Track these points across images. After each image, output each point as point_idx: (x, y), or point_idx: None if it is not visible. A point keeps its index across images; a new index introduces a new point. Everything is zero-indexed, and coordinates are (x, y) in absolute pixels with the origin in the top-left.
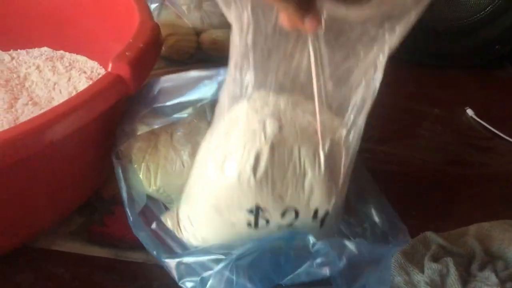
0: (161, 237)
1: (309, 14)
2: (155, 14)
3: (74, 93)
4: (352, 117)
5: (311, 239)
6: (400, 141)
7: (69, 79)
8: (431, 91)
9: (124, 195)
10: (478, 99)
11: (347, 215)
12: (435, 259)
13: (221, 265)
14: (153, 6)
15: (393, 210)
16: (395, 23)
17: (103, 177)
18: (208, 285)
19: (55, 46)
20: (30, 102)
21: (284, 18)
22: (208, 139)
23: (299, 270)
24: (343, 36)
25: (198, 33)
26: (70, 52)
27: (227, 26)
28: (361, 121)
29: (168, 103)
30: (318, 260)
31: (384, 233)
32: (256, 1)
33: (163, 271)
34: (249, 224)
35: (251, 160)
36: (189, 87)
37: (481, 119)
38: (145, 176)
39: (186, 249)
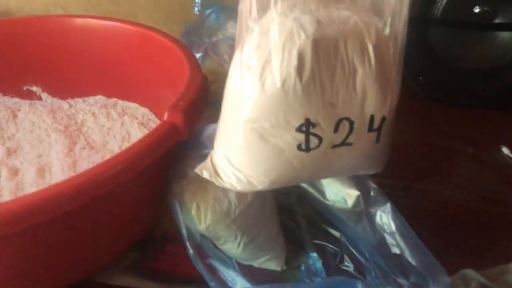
0: (215, 272)
1: None
2: (199, 62)
3: (127, 137)
4: (392, 2)
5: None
6: (436, 179)
7: (122, 125)
8: (465, 130)
9: (184, 231)
10: None
11: (381, 256)
12: None
13: None
14: (198, 55)
15: (428, 250)
16: None
17: (156, 217)
18: None
19: (108, 94)
20: (87, 146)
21: None
22: (238, 58)
23: None
24: None
25: None
26: (122, 99)
27: None
28: (405, 8)
29: None
30: None
31: (421, 274)
32: None
33: None
34: (299, 147)
35: (294, 62)
36: None
37: None
38: (196, 214)
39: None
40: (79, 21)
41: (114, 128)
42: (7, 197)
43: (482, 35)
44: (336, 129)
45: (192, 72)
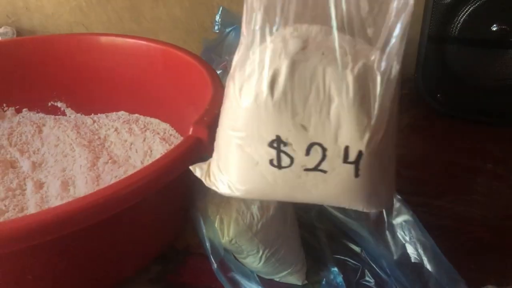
0: (237, 286)
1: None
2: None
3: (149, 152)
4: (386, 34)
5: None
6: (456, 196)
7: (144, 140)
8: (483, 147)
9: (207, 244)
10: None
11: (402, 271)
12: None
13: None
14: (217, 72)
15: (449, 263)
16: None
17: (178, 230)
18: None
19: (131, 110)
20: (110, 161)
21: None
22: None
23: None
24: None
25: None
26: (144, 115)
27: None
28: (398, 42)
29: None
30: None
31: (442, 287)
32: None
33: None
34: (271, 162)
35: (268, 79)
36: None
37: None
38: (219, 227)
39: None
40: (103, 39)
41: (136, 143)
42: (32, 209)
43: (499, 53)
44: (307, 152)
45: (215, 88)
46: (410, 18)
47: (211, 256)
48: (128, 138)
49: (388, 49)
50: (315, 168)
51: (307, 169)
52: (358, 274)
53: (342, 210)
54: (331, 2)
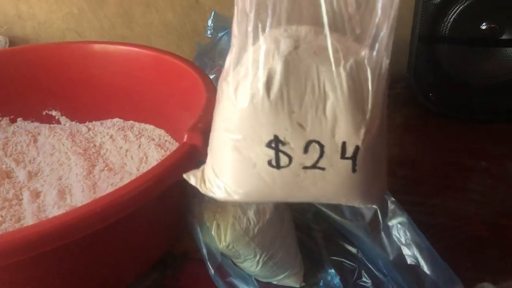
0: None
1: None
2: None
3: (144, 159)
4: (374, 31)
5: None
6: (451, 195)
7: (139, 146)
8: (477, 145)
9: (204, 250)
10: None
11: (398, 271)
12: None
13: None
14: (211, 77)
15: (445, 263)
16: None
17: (176, 236)
18: None
19: (125, 117)
20: (105, 168)
21: None
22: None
23: None
24: None
25: None
26: (139, 122)
27: None
28: (386, 37)
29: None
30: None
31: (438, 286)
32: None
33: None
34: (270, 163)
35: (263, 78)
36: None
37: None
38: (216, 233)
39: None
40: (96, 46)
41: (131, 150)
42: (29, 219)
43: (490, 51)
44: (305, 150)
45: (209, 94)
46: (396, 13)
47: (208, 263)
48: (123, 145)
49: (377, 45)
50: (314, 166)
51: (305, 167)
52: (355, 275)
53: (338, 211)
54: (321, 0)
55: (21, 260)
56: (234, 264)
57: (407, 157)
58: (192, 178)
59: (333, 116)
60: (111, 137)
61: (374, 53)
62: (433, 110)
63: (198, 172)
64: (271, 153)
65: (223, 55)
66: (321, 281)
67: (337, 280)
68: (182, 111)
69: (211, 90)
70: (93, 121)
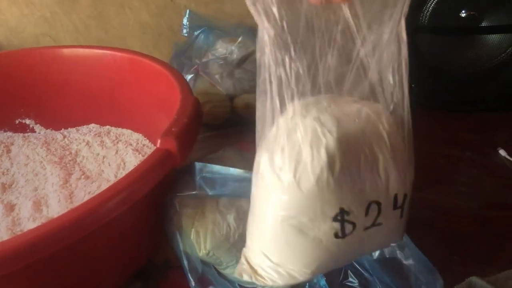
0: None
1: None
2: (191, 83)
3: (122, 165)
4: (392, 85)
5: None
6: (437, 187)
7: (116, 152)
8: (462, 136)
9: (184, 261)
10: (509, 139)
11: (383, 270)
12: None
13: None
14: (189, 76)
15: (427, 259)
16: None
17: (155, 244)
18: None
19: (101, 122)
20: (82, 176)
21: None
22: (265, 159)
23: None
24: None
25: (231, 98)
26: (115, 126)
27: None
28: (405, 88)
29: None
30: None
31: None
32: None
33: None
34: (336, 235)
35: (324, 159)
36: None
37: None
38: (196, 240)
39: None
40: (66, 51)
41: (108, 156)
42: (3, 233)
43: (470, 39)
44: (366, 213)
45: (183, 96)
46: (407, 69)
47: (189, 274)
48: (100, 152)
49: (399, 102)
50: (373, 224)
51: (366, 228)
52: (341, 275)
53: None
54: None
55: None
56: (217, 270)
57: None
58: (245, 276)
59: (385, 174)
60: (87, 143)
61: (398, 109)
62: (416, 101)
63: (243, 265)
64: (337, 226)
65: (200, 53)
66: (307, 284)
67: (323, 281)
68: (159, 113)
69: (186, 91)
70: (69, 128)
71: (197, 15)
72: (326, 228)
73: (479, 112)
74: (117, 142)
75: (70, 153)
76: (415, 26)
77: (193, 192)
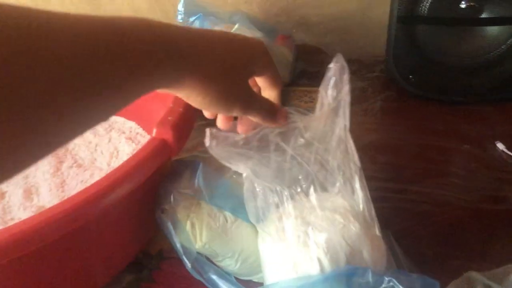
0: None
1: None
2: None
3: (115, 153)
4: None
5: (371, 274)
6: (433, 180)
7: (109, 140)
8: (459, 128)
9: (178, 245)
10: (507, 132)
11: None
12: None
13: None
14: None
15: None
16: None
17: (149, 234)
18: None
19: None
20: (74, 165)
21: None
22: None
23: None
24: None
25: None
26: None
27: None
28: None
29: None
30: None
31: None
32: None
33: None
34: None
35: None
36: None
37: None
38: (191, 232)
39: None
40: None
41: (101, 144)
42: None
43: (469, 30)
44: None
45: None
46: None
47: (184, 257)
48: (92, 140)
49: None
50: None
51: None
52: None
53: None
54: None
55: None
56: (213, 263)
57: (388, 142)
58: None
59: None
60: None
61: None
62: (413, 92)
63: None
64: None
65: None
66: None
67: None
68: (153, 101)
69: None
70: None
71: (193, 0)
72: None
73: (478, 105)
74: (110, 130)
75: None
76: (413, 16)
77: (189, 192)
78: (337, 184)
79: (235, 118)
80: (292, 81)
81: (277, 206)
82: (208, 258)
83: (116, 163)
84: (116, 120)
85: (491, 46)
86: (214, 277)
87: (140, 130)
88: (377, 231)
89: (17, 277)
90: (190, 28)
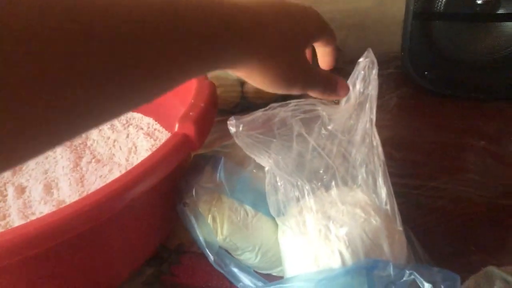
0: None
1: (338, 85)
2: None
3: (133, 149)
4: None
5: (392, 267)
6: (451, 176)
7: (127, 136)
8: (475, 124)
9: (201, 238)
10: None
11: None
12: None
13: None
14: None
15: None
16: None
17: (169, 228)
18: None
19: None
20: (93, 160)
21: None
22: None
23: None
24: None
25: (242, 83)
26: None
27: None
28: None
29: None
30: None
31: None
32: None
33: None
34: None
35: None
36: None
37: None
38: (212, 226)
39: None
40: None
41: (119, 140)
42: (15, 216)
43: (486, 26)
44: None
45: (199, 80)
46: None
47: (207, 249)
48: (110, 135)
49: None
50: None
51: None
52: None
53: None
54: None
55: (9, 264)
56: (232, 256)
57: (404, 139)
58: None
59: None
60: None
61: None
62: (429, 89)
63: None
64: None
65: None
66: None
67: None
68: (171, 97)
69: (202, 76)
70: None
71: None
72: None
73: (494, 101)
74: (128, 126)
75: (81, 136)
76: (429, 13)
77: (210, 186)
78: (359, 178)
79: None
80: None
81: (298, 200)
82: (227, 252)
83: (135, 158)
84: (134, 116)
85: (508, 42)
86: (235, 270)
87: (158, 126)
88: (399, 226)
89: (44, 269)
90: (250, 3)
